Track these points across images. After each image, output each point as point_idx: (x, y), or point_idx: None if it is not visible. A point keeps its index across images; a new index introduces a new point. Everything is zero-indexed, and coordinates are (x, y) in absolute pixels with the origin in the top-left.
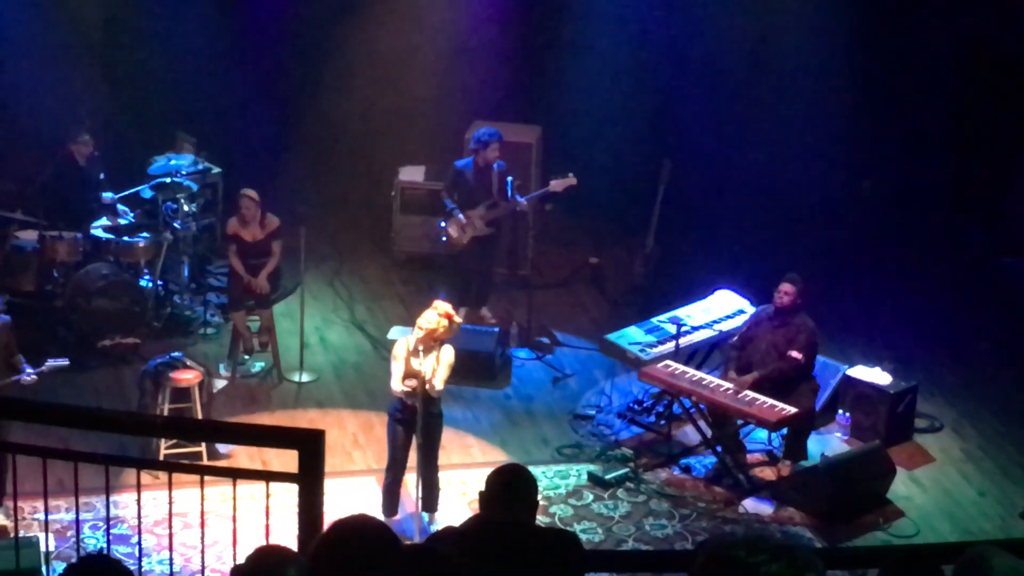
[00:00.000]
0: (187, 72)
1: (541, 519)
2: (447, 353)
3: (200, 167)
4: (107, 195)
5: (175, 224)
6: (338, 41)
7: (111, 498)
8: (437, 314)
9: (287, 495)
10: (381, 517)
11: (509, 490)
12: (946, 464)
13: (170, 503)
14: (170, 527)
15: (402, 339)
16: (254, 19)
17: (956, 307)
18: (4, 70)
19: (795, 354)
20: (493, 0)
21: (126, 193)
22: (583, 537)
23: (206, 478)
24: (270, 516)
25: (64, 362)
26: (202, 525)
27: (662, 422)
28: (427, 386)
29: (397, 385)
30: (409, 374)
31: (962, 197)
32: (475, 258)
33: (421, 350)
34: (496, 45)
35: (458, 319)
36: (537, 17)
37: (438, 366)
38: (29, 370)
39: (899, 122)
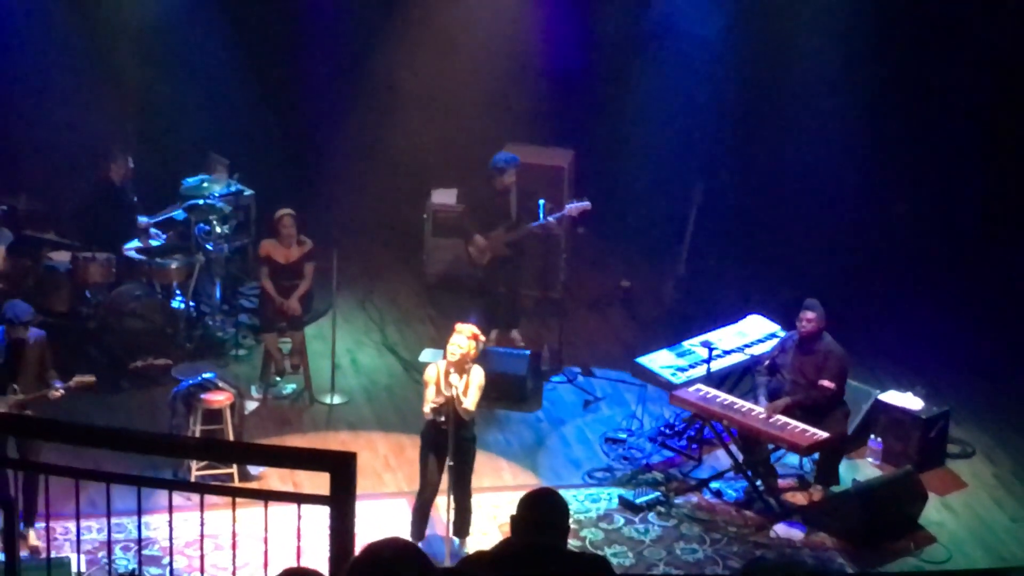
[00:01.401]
0: (220, 94)
1: (572, 543)
2: (477, 375)
3: (233, 189)
4: (142, 219)
5: (207, 246)
6: (372, 64)
7: (142, 519)
8: (465, 337)
9: (319, 517)
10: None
11: (540, 514)
12: (978, 490)
13: (201, 525)
14: (201, 549)
15: (432, 364)
16: (288, 42)
17: (988, 332)
18: (39, 93)
19: (827, 383)
20: (527, 24)
21: (160, 218)
22: (614, 561)
23: (238, 500)
24: (302, 538)
25: (90, 378)
26: (233, 547)
27: (693, 446)
28: (459, 408)
29: (428, 408)
30: (440, 398)
31: (995, 219)
32: (499, 279)
33: (452, 373)
34: (529, 68)
35: (483, 337)
36: (570, 41)
37: (469, 388)
38: (58, 384)
39: (931, 144)
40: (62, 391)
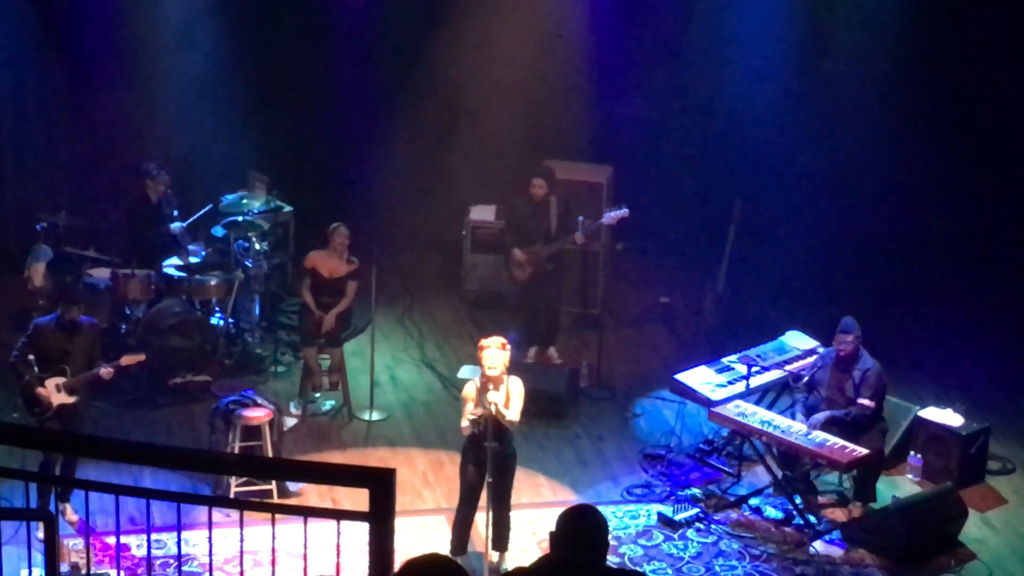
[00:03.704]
0: (259, 112)
1: (611, 559)
2: (516, 384)
3: (271, 206)
4: (175, 225)
5: (246, 262)
6: (411, 82)
7: (182, 535)
8: (497, 349)
9: (358, 533)
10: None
11: (580, 530)
12: (1019, 506)
13: (241, 541)
14: (241, 565)
15: (471, 381)
16: (327, 60)
17: None
18: (79, 110)
19: (866, 402)
20: (566, 39)
21: (191, 220)
22: None
23: (277, 516)
24: (341, 554)
25: (140, 356)
26: (273, 563)
27: (733, 463)
28: (504, 421)
29: (466, 422)
30: (478, 411)
31: None
32: (538, 295)
33: (491, 387)
34: (568, 84)
35: (509, 345)
36: (611, 57)
37: (510, 399)
38: (105, 363)
39: (969, 158)
40: (111, 369)
